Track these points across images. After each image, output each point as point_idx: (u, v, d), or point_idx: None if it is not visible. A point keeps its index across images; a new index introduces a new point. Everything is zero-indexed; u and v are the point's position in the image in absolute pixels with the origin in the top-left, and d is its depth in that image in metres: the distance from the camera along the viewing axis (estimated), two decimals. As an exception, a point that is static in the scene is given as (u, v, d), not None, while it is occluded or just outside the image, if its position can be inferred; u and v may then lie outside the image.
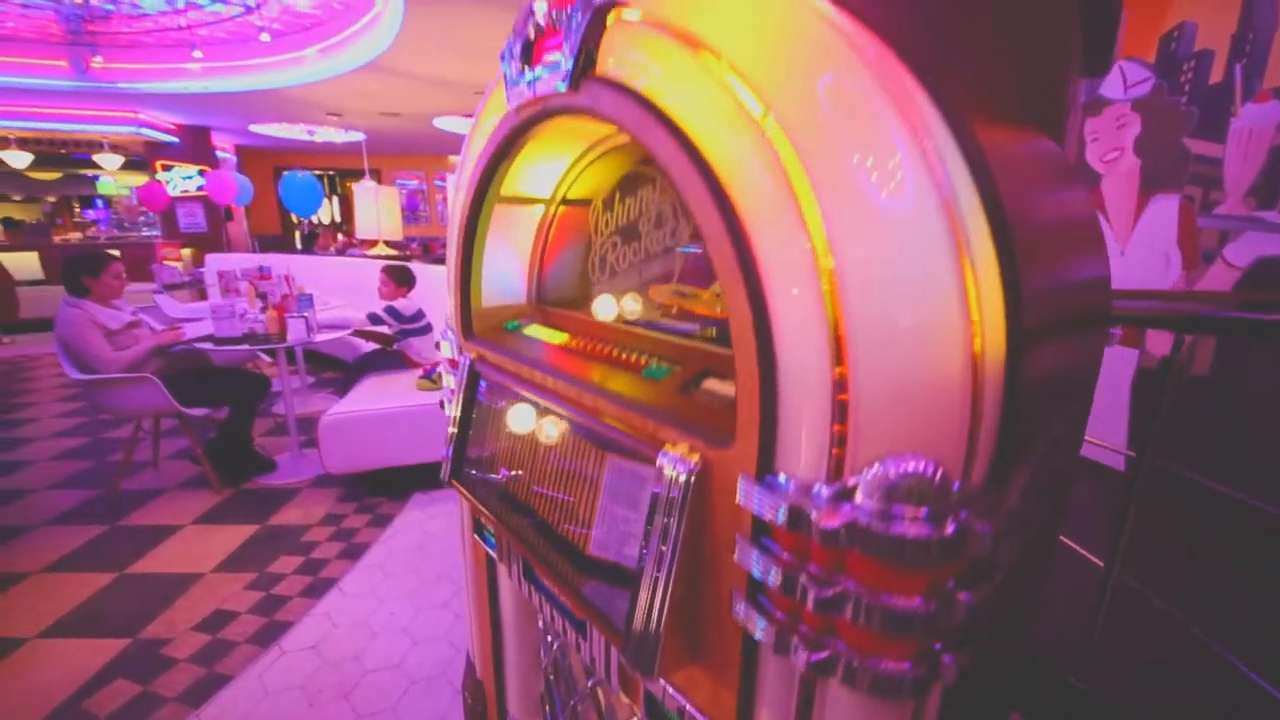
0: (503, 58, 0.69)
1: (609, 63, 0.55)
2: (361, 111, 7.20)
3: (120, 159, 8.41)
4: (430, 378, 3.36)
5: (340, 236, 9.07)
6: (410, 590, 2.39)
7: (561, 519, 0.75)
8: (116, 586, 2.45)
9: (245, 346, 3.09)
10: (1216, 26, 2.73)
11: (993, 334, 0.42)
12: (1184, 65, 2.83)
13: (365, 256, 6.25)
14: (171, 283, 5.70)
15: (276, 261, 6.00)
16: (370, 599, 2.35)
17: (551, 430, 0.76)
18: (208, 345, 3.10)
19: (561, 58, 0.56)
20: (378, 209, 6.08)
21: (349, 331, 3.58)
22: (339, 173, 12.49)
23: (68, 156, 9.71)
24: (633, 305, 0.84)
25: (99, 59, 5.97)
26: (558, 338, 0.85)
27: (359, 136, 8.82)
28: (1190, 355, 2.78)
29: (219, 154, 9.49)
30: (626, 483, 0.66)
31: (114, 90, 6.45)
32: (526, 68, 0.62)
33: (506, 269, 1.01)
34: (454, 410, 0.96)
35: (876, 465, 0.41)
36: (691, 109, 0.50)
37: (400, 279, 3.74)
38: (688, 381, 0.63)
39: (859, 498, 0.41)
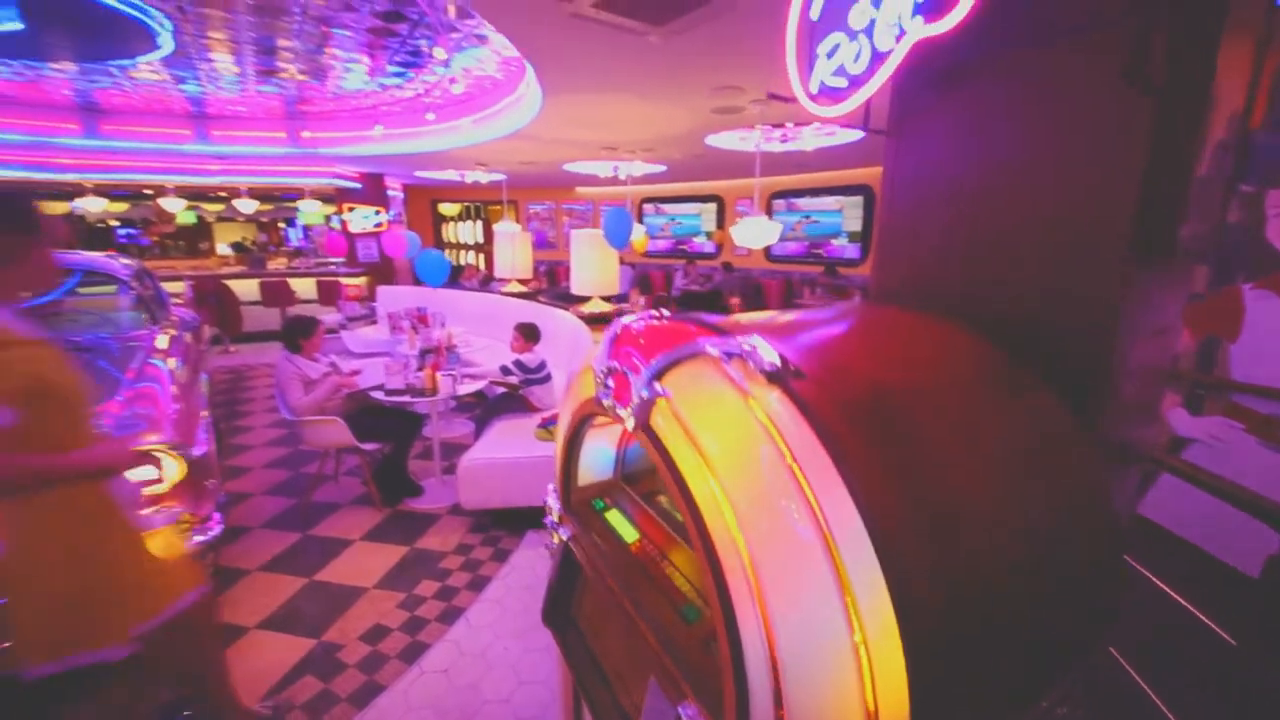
0: (599, 358, 0.96)
1: (656, 423, 0.79)
2: (504, 161, 8.15)
3: (317, 203, 10.26)
4: (546, 428, 3.81)
5: (481, 270, 10.23)
6: (521, 629, 2.78)
7: (620, 690, 1.00)
8: (307, 591, 3.13)
9: (407, 398, 3.75)
10: None
11: (888, 681, 0.59)
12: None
13: (501, 293, 7.05)
14: (353, 315, 6.94)
15: (432, 299, 7.00)
16: (489, 633, 2.78)
17: (616, 624, 1.01)
18: (379, 394, 3.82)
19: (628, 416, 0.81)
20: (513, 252, 6.85)
21: (486, 382, 4.17)
22: (483, 203, 14.02)
23: (278, 196, 12.04)
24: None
25: (307, 131, 7.40)
26: (630, 535, 1.10)
27: (501, 177, 9.95)
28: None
29: (389, 193, 11.17)
30: (664, 695, 0.89)
31: (316, 153, 7.93)
32: (608, 391, 0.87)
33: (598, 452, 1.28)
34: (552, 566, 1.24)
35: (804, 790, 0.60)
36: (690, 474, 0.73)
37: (528, 336, 4.27)
38: (709, 636, 0.84)
39: (793, 809, 0.61)
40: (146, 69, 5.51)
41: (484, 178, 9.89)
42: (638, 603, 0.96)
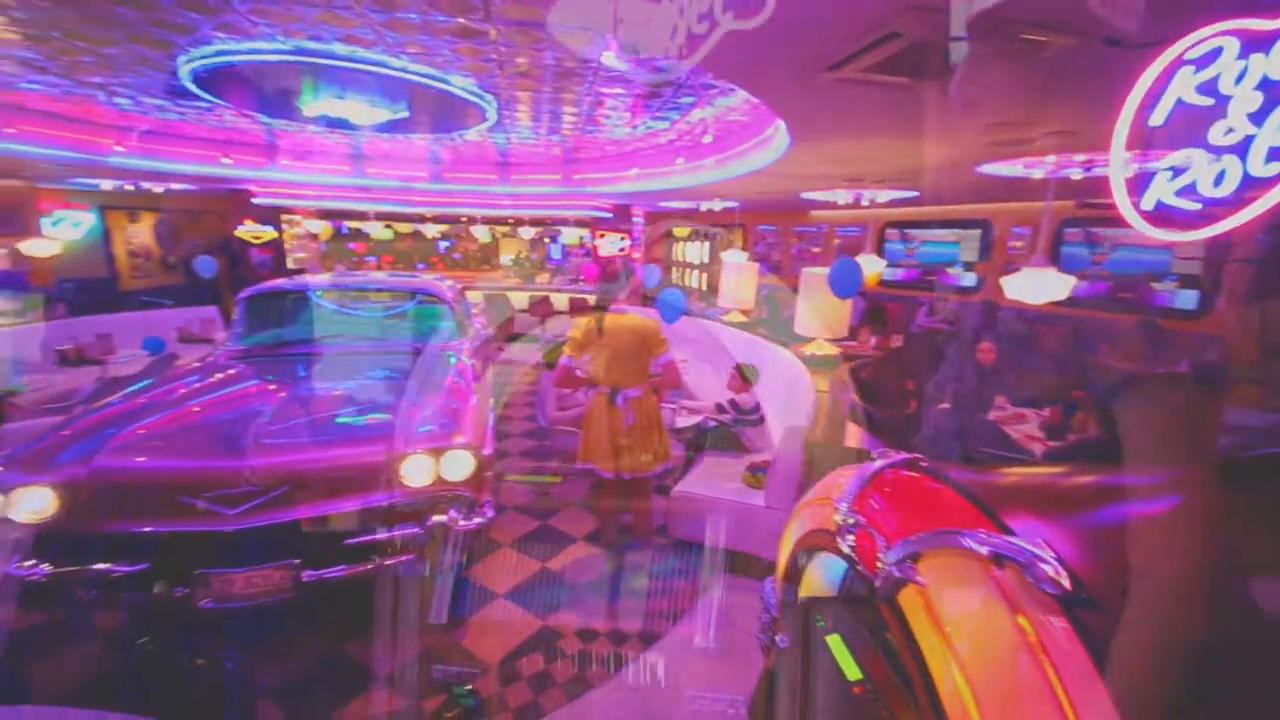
0: (843, 498, 0.97)
1: (904, 603, 0.77)
2: (740, 193, 8.39)
3: (576, 229, 11.98)
4: (754, 474, 3.82)
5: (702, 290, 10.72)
6: (710, 677, 2.83)
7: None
8: (540, 575, 3.67)
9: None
10: None
11: None
12: None
13: (720, 321, 7.30)
14: (593, 331, 8.02)
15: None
16: (679, 667, 2.90)
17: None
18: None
19: (880, 585, 0.82)
20: (739, 282, 7.02)
21: (700, 419, 4.37)
22: (711, 226, 14.65)
23: (548, 222, 14.41)
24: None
25: (578, 174, 8.68)
26: (853, 673, 1.08)
27: (734, 204, 10.27)
28: None
29: (634, 220, 12.42)
30: None
31: (582, 190, 9.25)
32: (850, 543, 0.88)
33: (826, 562, 1.27)
34: (765, 665, 1.28)
35: None
36: (937, 669, 0.70)
37: (746, 377, 4.35)
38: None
39: None
40: (474, 133, 7.10)
41: (719, 205, 10.33)
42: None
